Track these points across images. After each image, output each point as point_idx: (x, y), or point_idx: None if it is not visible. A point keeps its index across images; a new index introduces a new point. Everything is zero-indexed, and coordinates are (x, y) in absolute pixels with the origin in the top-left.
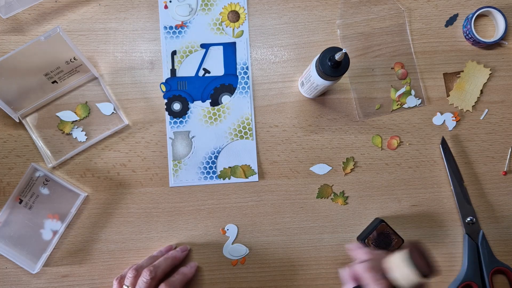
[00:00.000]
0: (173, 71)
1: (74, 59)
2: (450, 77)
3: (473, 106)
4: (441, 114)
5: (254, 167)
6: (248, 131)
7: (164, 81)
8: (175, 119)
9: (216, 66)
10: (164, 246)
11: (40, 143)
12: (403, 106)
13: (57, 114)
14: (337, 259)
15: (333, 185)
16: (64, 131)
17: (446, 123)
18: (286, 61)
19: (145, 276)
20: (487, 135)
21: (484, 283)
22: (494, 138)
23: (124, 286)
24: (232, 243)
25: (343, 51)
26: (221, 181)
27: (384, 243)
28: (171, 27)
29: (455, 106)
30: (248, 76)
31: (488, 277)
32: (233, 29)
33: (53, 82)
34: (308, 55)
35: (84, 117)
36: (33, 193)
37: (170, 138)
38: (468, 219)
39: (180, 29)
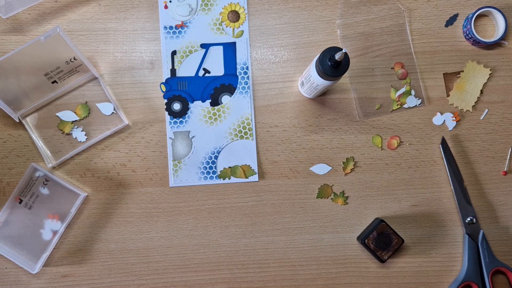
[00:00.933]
0: (173, 71)
1: (74, 59)
2: (450, 77)
3: (473, 106)
4: (441, 114)
5: (254, 167)
6: (248, 131)
7: (164, 81)
8: (175, 119)
9: (216, 66)
10: None
11: (40, 143)
12: (403, 106)
13: (57, 114)
14: (337, 259)
15: (333, 185)
16: (64, 131)
17: (446, 123)
18: (286, 61)
19: None
20: (487, 135)
21: (484, 283)
22: (494, 138)
23: None
24: None
25: (343, 51)
26: (221, 181)
27: (384, 243)
28: (171, 27)
29: (455, 106)
30: (248, 76)
31: (488, 277)
32: (233, 29)
33: (53, 82)
34: (308, 55)
35: (84, 117)
36: (33, 193)
37: (170, 138)
38: (468, 219)
39: (180, 29)
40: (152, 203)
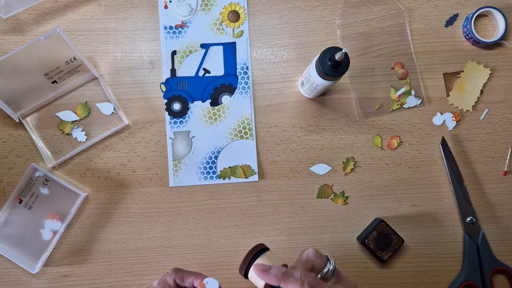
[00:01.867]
0: (173, 71)
1: (74, 59)
2: (450, 77)
3: (473, 106)
4: (441, 114)
5: (254, 167)
6: (248, 131)
7: (164, 81)
8: (175, 119)
9: (216, 66)
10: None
11: (40, 143)
12: (403, 106)
13: (57, 114)
14: (337, 259)
15: (333, 185)
16: (64, 131)
17: (446, 123)
18: (286, 61)
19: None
20: (487, 135)
21: (484, 283)
22: (494, 138)
23: None
24: None
25: (343, 51)
26: (221, 181)
27: (384, 243)
28: (171, 27)
29: (455, 106)
30: (248, 76)
31: (488, 277)
32: (233, 29)
33: (53, 82)
34: (308, 55)
35: (84, 117)
36: (33, 193)
37: (170, 138)
38: (468, 219)
39: (180, 29)
40: (152, 203)
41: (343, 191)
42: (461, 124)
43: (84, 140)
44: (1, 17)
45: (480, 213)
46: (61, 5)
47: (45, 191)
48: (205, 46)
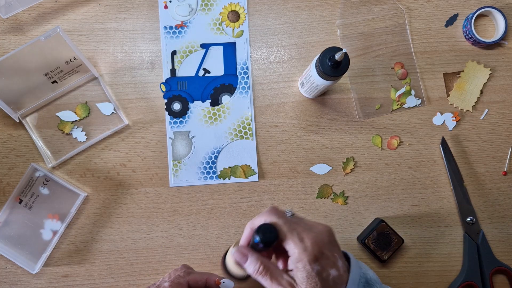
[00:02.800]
0: (173, 71)
1: (74, 59)
2: (450, 77)
3: (473, 106)
4: (441, 114)
5: (254, 167)
6: (248, 131)
7: (164, 81)
8: (175, 119)
9: (216, 66)
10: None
11: (40, 143)
12: (403, 106)
13: (57, 114)
14: None
15: (333, 185)
16: (64, 131)
17: (446, 123)
18: (286, 61)
19: (176, 271)
20: (487, 135)
21: (484, 283)
22: (494, 138)
23: None
24: None
25: (343, 51)
26: (221, 181)
27: (384, 243)
28: (171, 27)
29: (455, 106)
30: (248, 76)
31: (488, 277)
32: (233, 29)
33: (53, 82)
34: (308, 55)
35: (84, 117)
36: (33, 193)
37: (170, 138)
38: (468, 219)
39: (180, 29)
40: (152, 203)
41: (343, 191)
42: (461, 124)
43: (84, 140)
44: (1, 17)
45: (480, 213)
46: (61, 5)
47: (45, 191)
48: (205, 46)
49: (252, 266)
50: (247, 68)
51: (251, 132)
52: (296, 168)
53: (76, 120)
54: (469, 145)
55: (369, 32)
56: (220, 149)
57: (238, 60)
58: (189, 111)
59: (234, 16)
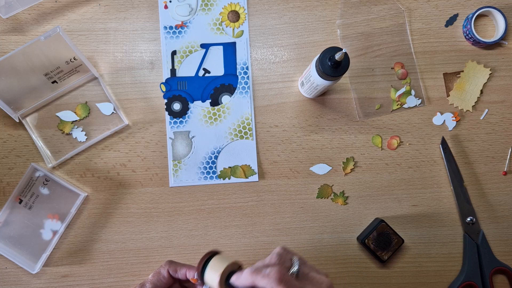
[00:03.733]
0: (173, 71)
1: (74, 59)
2: (450, 77)
3: (473, 106)
4: (441, 114)
5: (254, 167)
6: (248, 131)
7: (164, 81)
8: (175, 119)
9: (216, 66)
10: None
11: (40, 143)
12: (403, 106)
13: (57, 114)
14: (337, 259)
15: (333, 185)
16: (64, 131)
17: (446, 123)
18: (286, 61)
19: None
20: (487, 135)
21: (484, 283)
22: (494, 138)
23: None
24: None
25: (343, 51)
26: (221, 181)
27: (384, 243)
28: (171, 27)
29: (455, 106)
30: (248, 76)
31: (488, 277)
32: (233, 29)
33: (53, 82)
34: (308, 55)
35: (84, 117)
36: (33, 193)
37: (170, 138)
38: (468, 219)
39: (180, 29)
40: (152, 203)
41: (343, 191)
42: (461, 124)
43: (84, 140)
44: (1, 17)
45: (480, 213)
46: (61, 5)
47: (45, 191)
48: (205, 46)
49: None
50: (247, 68)
51: (251, 132)
52: (296, 168)
53: (76, 120)
54: (469, 145)
55: (369, 32)
56: (220, 149)
57: (238, 60)
58: (189, 111)
59: (234, 16)
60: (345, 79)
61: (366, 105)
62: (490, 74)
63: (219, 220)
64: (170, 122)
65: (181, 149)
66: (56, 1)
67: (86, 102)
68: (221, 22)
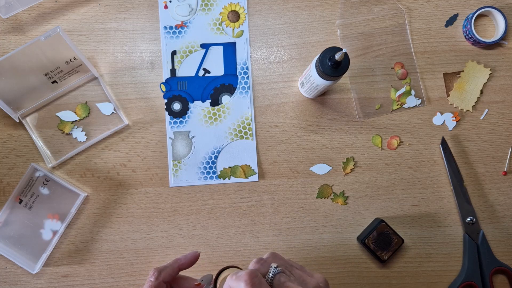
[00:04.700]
0: (173, 71)
1: (74, 59)
2: (450, 77)
3: (473, 106)
4: (441, 114)
5: (254, 167)
6: (248, 131)
7: (164, 81)
8: (175, 119)
9: (216, 66)
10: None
11: (40, 143)
12: (403, 106)
13: (57, 114)
14: (337, 259)
15: (333, 185)
16: (64, 131)
17: (446, 123)
18: (286, 61)
19: (149, 277)
20: (487, 135)
21: (484, 283)
22: (494, 138)
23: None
24: None
25: (343, 51)
26: (221, 181)
27: (384, 243)
28: (171, 27)
29: (455, 106)
30: (248, 76)
31: (488, 277)
32: (233, 29)
33: (53, 82)
34: (308, 55)
35: (84, 117)
36: (33, 193)
37: (170, 138)
38: (468, 219)
39: (180, 29)
40: (152, 203)
41: (343, 191)
42: (461, 124)
43: (84, 140)
44: (1, 17)
45: (480, 213)
46: (61, 5)
47: (45, 191)
48: (205, 46)
49: None
50: (247, 68)
51: (251, 132)
52: (296, 168)
53: (76, 120)
54: (469, 145)
55: (369, 32)
56: (220, 149)
57: (238, 60)
58: (189, 111)
59: (234, 16)
60: (345, 79)
61: (366, 105)
62: (490, 74)
63: (219, 220)
64: (170, 122)
65: (181, 149)
66: (56, 1)
67: (86, 102)
68: (221, 22)
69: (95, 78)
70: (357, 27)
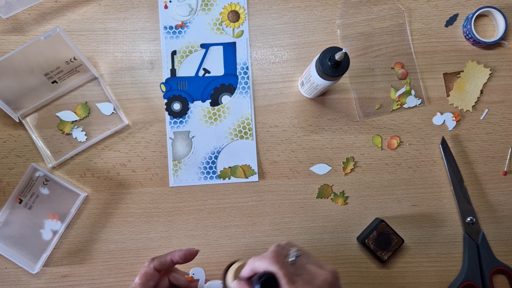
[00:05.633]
0: (173, 71)
1: (74, 59)
2: (450, 77)
3: (473, 106)
4: (441, 114)
5: (254, 167)
6: (248, 131)
7: (164, 81)
8: (175, 119)
9: (216, 66)
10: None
11: (40, 143)
12: (403, 106)
13: (57, 114)
14: (337, 259)
15: (333, 185)
16: (64, 131)
17: (446, 123)
18: (286, 61)
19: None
20: (487, 135)
21: (484, 283)
22: (494, 138)
23: None
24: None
25: (343, 51)
26: (221, 181)
27: (384, 243)
28: (171, 27)
29: (455, 106)
30: (248, 76)
31: (488, 277)
32: (233, 29)
33: (53, 82)
34: (308, 55)
35: (84, 117)
36: (33, 193)
37: (170, 138)
38: (468, 219)
39: (180, 29)
40: (152, 203)
41: (343, 191)
42: (461, 124)
43: (84, 140)
44: (1, 17)
45: (480, 213)
46: (61, 5)
47: (45, 191)
48: (205, 46)
49: None
50: (247, 68)
51: (251, 132)
52: (296, 168)
53: (76, 120)
54: (469, 145)
55: (369, 32)
56: (220, 149)
57: (238, 60)
58: (189, 111)
59: (234, 16)
60: (345, 79)
61: (366, 105)
62: (490, 74)
63: (219, 220)
64: (170, 122)
65: (181, 149)
66: (56, 1)
67: (86, 102)
68: (221, 22)
69: (95, 78)
70: (357, 27)
